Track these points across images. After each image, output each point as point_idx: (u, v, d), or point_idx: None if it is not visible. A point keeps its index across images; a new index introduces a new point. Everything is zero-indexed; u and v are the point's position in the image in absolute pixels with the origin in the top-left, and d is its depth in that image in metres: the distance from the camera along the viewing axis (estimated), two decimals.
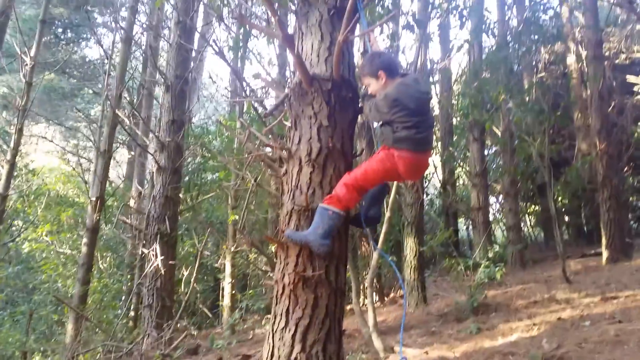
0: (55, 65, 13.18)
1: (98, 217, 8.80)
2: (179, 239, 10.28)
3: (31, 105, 9.99)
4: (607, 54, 12.32)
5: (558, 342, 4.72)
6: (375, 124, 2.88)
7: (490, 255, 11.16)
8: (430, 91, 3.13)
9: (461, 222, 18.46)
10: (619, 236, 9.94)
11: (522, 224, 15.30)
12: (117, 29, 10.52)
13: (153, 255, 7.42)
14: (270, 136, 3.35)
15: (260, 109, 5.92)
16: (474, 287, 7.12)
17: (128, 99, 10.93)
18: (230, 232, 10.77)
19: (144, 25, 13.29)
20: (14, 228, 12.37)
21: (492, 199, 17.13)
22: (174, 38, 8.38)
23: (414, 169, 2.77)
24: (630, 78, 11.59)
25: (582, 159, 12.27)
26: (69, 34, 17.19)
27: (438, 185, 16.44)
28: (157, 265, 7.35)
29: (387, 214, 5.20)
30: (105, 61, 10.74)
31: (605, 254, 9.92)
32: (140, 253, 8.35)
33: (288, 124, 3.14)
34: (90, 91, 17.40)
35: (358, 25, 3.33)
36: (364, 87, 3.05)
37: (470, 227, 17.57)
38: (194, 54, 10.04)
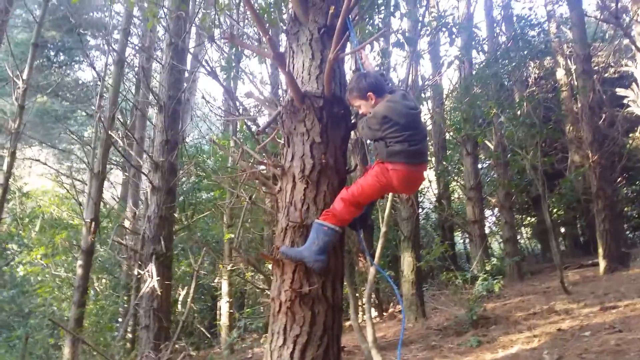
0: (47, 88, 13.21)
1: (93, 239, 8.75)
2: (175, 259, 10.23)
3: (24, 128, 10.00)
4: (596, 68, 12.48)
5: (559, 353, 4.71)
6: (369, 141, 2.91)
7: (488, 268, 11.16)
8: (419, 105, 3.13)
9: (457, 235, 18.48)
10: (615, 246, 9.98)
11: (518, 237, 15.34)
12: (109, 51, 10.56)
13: (149, 275, 7.38)
14: (264, 154, 3.36)
15: (253, 127, 5.95)
16: (473, 300, 7.11)
17: (121, 120, 10.95)
18: (227, 251, 10.74)
19: (137, 47, 13.36)
20: (8, 252, 12.28)
21: (487, 212, 17.18)
22: (166, 59, 8.42)
23: (409, 182, 2.76)
24: (620, 91, 11.71)
25: (576, 170, 12.35)
26: (62, 57, 17.26)
27: (433, 199, 16.48)
28: (153, 285, 7.30)
29: (383, 229, 5.20)
30: (98, 83, 10.76)
31: (602, 264, 9.94)
32: (136, 274, 8.29)
33: (281, 141, 3.16)
34: (84, 113, 17.39)
35: (348, 43, 3.39)
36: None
37: (467, 240, 17.60)
38: (186, 74, 10.10)
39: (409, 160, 2.67)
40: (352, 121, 3.18)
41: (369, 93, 2.85)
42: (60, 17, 14.59)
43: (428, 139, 13.54)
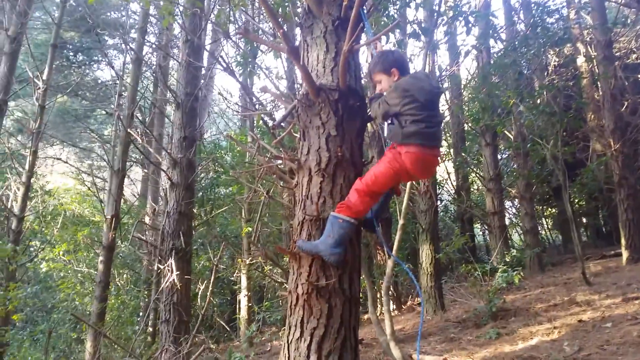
0: (67, 87, 13.41)
1: (114, 235, 8.90)
2: (194, 254, 10.34)
3: (45, 127, 10.18)
4: (617, 54, 12.23)
5: (579, 345, 4.65)
6: (385, 124, 2.85)
7: (508, 259, 11.05)
8: (441, 86, 3.14)
9: (477, 227, 18.33)
10: (638, 236, 9.81)
11: (539, 227, 15.16)
12: (127, 50, 10.68)
13: (169, 270, 7.47)
14: (280, 148, 3.37)
15: (269, 122, 5.96)
16: (492, 292, 7.05)
17: (140, 118, 11.08)
18: (245, 245, 10.81)
19: (154, 46, 13.48)
20: (31, 249, 12.53)
21: (507, 203, 17.02)
22: (183, 57, 8.48)
23: (423, 165, 2.68)
24: None
25: (597, 159, 12.14)
26: (81, 57, 17.50)
27: (452, 191, 16.37)
28: (173, 280, 7.39)
29: (401, 221, 5.18)
30: (117, 82, 10.90)
31: (625, 255, 9.79)
32: (156, 269, 8.40)
33: (297, 135, 3.17)
34: (103, 112, 17.64)
35: (363, 35, 3.37)
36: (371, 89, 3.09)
37: (487, 232, 17.45)
38: (203, 71, 10.16)
39: (424, 142, 2.62)
40: (368, 113, 3.16)
41: (393, 69, 2.85)
42: (78, 18, 14.75)
43: (446, 130, 13.44)
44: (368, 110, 3.10)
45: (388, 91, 2.77)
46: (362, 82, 3.30)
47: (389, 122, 2.76)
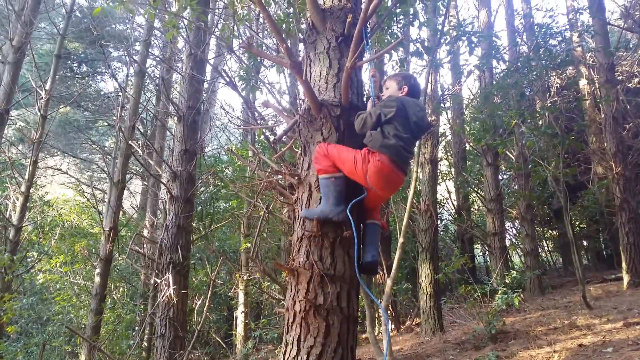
0: (70, 98, 13.45)
1: (111, 247, 8.84)
2: (192, 269, 10.26)
3: (46, 137, 10.17)
4: (619, 77, 12.27)
5: None
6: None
7: (508, 281, 10.96)
8: (431, 124, 3.24)
9: (477, 248, 18.23)
10: (639, 260, 9.73)
11: (539, 249, 15.07)
12: (130, 63, 10.72)
13: (165, 284, 7.40)
14: (281, 163, 3.34)
15: (270, 136, 5.95)
16: (492, 314, 6.97)
17: (142, 130, 11.08)
18: (243, 260, 10.73)
19: (158, 58, 13.55)
20: (28, 259, 12.44)
21: (508, 224, 16.94)
22: (186, 70, 8.51)
23: (386, 179, 2.76)
24: None
25: (599, 182, 12.11)
26: (84, 68, 17.58)
27: (452, 210, 16.31)
28: (170, 294, 7.31)
29: (400, 240, 5.14)
30: (120, 94, 10.93)
31: (626, 279, 9.70)
32: (153, 283, 8.33)
33: (299, 150, 3.14)
34: (105, 123, 17.68)
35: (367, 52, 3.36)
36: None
37: (487, 253, 17.35)
38: (206, 85, 10.19)
39: (397, 159, 2.74)
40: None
41: (405, 87, 3.06)
42: (83, 29, 14.88)
43: (447, 149, 13.43)
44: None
45: (388, 98, 2.94)
46: (364, 98, 3.29)
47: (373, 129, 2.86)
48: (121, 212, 10.30)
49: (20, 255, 10.52)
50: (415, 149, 2.93)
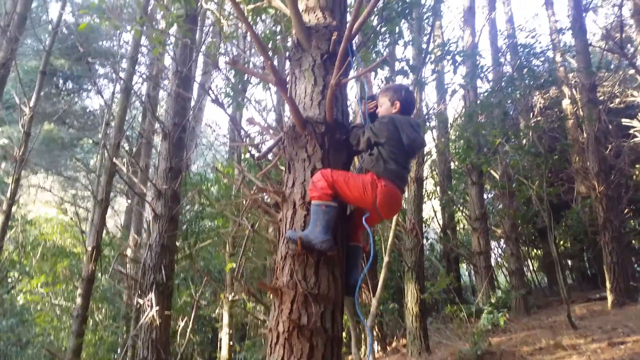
0: (54, 115, 13.33)
1: (94, 267, 8.67)
2: (176, 289, 10.09)
3: (29, 155, 10.03)
4: (601, 97, 12.48)
5: None
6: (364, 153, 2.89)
7: (493, 300, 10.95)
8: (425, 141, 3.24)
9: (463, 267, 18.23)
10: (623, 279, 9.79)
11: (525, 269, 15.10)
12: (117, 80, 10.67)
13: (148, 305, 7.25)
14: (267, 182, 3.31)
15: (255, 153, 5.92)
16: (478, 335, 6.94)
17: (127, 148, 10.98)
18: (228, 281, 10.59)
19: (144, 76, 13.52)
20: (9, 280, 12.19)
21: (493, 243, 16.99)
22: (172, 87, 8.47)
23: (393, 202, 2.80)
24: (626, 121, 11.68)
25: (582, 201, 12.22)
26: (70, 85, 17.48)
27: (438, 229, 16.33)
28: (153, 315, 7.16)
29: (386, 259, 5.11)
30: (105, 111, 10.85)
31: (610, 298, 9.74)
32: (135, 304, 8.17)
33: (283, 168, 3.12)
34: (90, 141, 17.53)
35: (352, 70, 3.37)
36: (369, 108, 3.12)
37: (473, 272, 17.35)
38: (193, 102, 10.16)
39: (399, 182, 2.78)
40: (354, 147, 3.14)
41: (397, 102, 2.98)
42: (69, 46, 14.81)
43: (433, 168, 13.48)
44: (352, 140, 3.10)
45: (380, 120, 2.88)
46: (350, 116, 3.29)
47: (370, 151, 2.84)
48: (105, 231, 10.13)
49: (0, 275, 10.29)
50: None
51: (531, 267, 19.16)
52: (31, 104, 9.64)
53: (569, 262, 17.50)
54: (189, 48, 8.23)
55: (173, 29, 7.95)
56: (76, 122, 17.59)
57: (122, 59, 12.48)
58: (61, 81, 17.10)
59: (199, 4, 6.86)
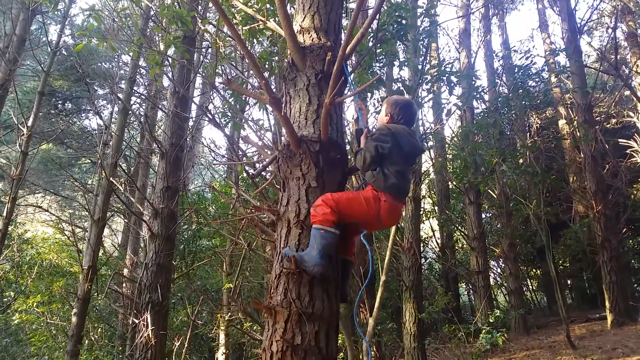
0: (52, 135, 13.38)
1: (89, 287, 8.62)
2: (172, 308, 10.01)
3: (27, 174, 10.05)
4: (597, 118, 12.56)
5: None
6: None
7: (492, 320, 10.87)
8: (422, 150, 3.32)
9: (462, 286, 18.13)
10: (622, 299, 9.74)
11: (524, 288, 15.02)
12: (115, 100, 10.73)
13: (144, 325, 7.19)
14: (263, 201, 3.31)
15: (251, 171, 5.93)
16: (476, 355, 6.87)
17: (125, 167, 11.00)
18: (225, 300, 10.52)
19: (142, 96, 13.59)
20: (5, 299, 12.09)
21: (492, 263, 16.92)
22: (170, 107, 8.53)
23: (396, 214, 2.88)
24: (623, 141, 11.74)
25: (580, 221, 12.21)
26: (69, 106, 17.55)
27: (436, 249, 16.28)
28: (148, 335, 7.10)
29: (383, 278, 5.09)
30: (103, 131, 10.89)
31: (609, 318, 9.68)
32: (131, 323, 8.10)
33: (278, 186, 3.13)
34: (88, 161, 17.54)
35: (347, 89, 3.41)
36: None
37: (471, 291, 17.26)
38: (191, 122, 10.20)
39: (399, 195, 2.84)
40: (349, 165, 3.17)
41: (389, 115, 3.06)
42: (68, 67, 14.91)
43: (431, 187, 13.47)
44: (351, 163, 3.14)
45: (380, 129, 2.97)
46: (345, 135, 3.31)
47: (373, 169, 2.87)
48: (101, 251, 10.10)
49: None
50: None
51: (530, 287, 19.07)
52: (29, 124, 9.69)
53: (569, 281, 17.43)
54: (186, 69, 8.31)
55: (171, 51, 8.04)
56: (74, 143, 17.61)
57: (121, 80, 12.57)
58: (60, 102, 17.17)
59: (196, 26, 6.94)
